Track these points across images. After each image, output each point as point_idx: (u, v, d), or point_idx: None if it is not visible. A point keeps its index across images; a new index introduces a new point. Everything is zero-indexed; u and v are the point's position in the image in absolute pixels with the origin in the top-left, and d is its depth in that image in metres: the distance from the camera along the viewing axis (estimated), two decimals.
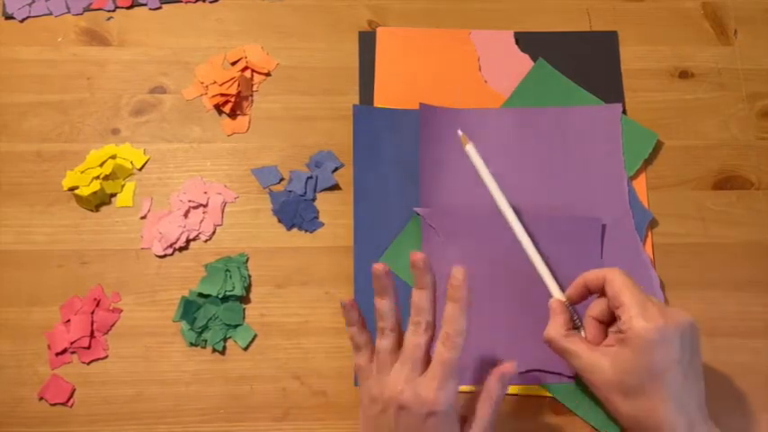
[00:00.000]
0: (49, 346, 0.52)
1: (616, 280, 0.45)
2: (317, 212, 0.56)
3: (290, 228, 0.55)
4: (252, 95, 0.59)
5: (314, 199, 0.56)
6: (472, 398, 0.45)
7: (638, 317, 0.43)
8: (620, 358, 0.44)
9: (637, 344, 0.43)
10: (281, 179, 0.57)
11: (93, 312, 0.52)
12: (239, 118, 0.58)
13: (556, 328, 0.48)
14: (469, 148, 0.53)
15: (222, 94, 0.57)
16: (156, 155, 0.57)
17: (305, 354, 0.52)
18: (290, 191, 0.56)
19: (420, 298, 0.44)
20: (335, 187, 0.56)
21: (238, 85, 0.57)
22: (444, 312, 0.43)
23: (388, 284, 0.45)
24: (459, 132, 0.54)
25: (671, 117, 0.60)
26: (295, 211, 0.56)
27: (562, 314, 0.49)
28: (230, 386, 0.51)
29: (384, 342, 0.44)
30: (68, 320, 0.52)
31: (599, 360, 0.45)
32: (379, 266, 0.44)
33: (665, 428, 0.43)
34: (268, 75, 0.59)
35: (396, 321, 0.45)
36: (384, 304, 0.45)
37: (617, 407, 0.45)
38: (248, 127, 0.58)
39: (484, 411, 0.44)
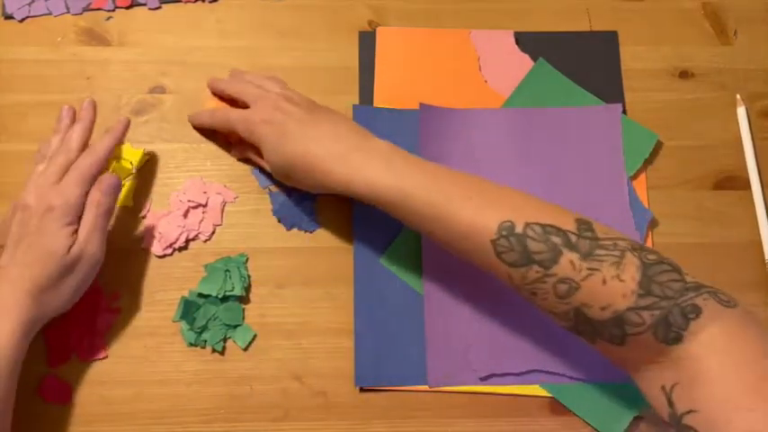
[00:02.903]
0: (48, 346, 0.52)
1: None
2: (317, 212, 0.56)
3: (289, 228, 0.55)
4: None
5: (314, 199, 0.56)
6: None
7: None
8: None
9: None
10: None
11: (92, 312, 0.52)
12: None
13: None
14: None
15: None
16: (156, 155, 0.57)
17: (305, 354, 0.52)
18: (290, 191, 0.56)
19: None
20: None
21: None
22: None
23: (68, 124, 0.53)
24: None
25: (671, 117, 0.60)
26: (295, 211, 0.55)
27: None
28: (230, 386, 0.51)
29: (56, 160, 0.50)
30: (68, 320, 0.52)
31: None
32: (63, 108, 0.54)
33: (316, 168, 0.48)
34: None
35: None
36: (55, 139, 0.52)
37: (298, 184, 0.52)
38: None
39: (89, 217, 0.48)
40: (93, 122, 0.53)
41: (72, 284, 0.48)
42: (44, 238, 0.46)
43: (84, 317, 0.52)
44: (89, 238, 0.48)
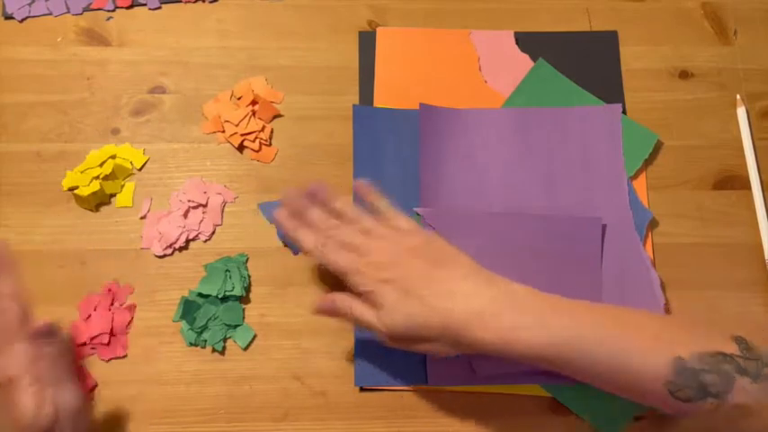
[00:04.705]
0: None
1: None
2: None
3: None
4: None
5: None
6: None
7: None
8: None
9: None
10: None
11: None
12: (264, 149, 0.57)
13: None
14: None
15: (245, 134, 0.57)
16: (156, 155, 0.57)
17: (305, 354, 0.52)
18: None
19: None
20: None
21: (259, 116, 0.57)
22: None
23: None
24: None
25: (671, 117, 0.60)
26: None
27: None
28: (230, 386, 0.51)
29: None
30: (89, 317, 0.52)
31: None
32: None
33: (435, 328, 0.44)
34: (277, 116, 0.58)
35: None
36: None
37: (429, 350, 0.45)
38: (273, 158, 0.57)
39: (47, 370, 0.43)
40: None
41: None
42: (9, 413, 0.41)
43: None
44: (54, 392, 0.42)
